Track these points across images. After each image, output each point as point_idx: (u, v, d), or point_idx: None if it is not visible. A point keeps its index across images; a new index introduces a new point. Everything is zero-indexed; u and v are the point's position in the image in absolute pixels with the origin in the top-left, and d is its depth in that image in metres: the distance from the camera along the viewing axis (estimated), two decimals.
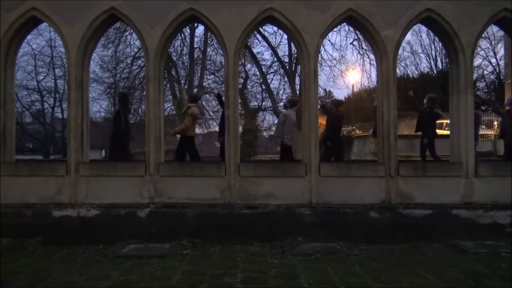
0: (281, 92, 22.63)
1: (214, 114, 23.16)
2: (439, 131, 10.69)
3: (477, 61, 28.71)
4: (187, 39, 20.38)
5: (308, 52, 6.99)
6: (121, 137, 8.33)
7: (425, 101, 8.82)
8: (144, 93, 11.14)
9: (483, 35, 23.37)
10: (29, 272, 4.99)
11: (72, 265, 5.32)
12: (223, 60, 11.56)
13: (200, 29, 21.02)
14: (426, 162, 7.71)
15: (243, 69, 21.30)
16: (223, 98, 7.57)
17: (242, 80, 21.93)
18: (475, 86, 23.30)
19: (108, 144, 9.46)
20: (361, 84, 23.04)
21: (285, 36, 19.02)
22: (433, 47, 31.74)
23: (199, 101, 11.73)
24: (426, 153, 8.42)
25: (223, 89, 8.38)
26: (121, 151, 8.29)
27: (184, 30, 18.16)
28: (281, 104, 23.11)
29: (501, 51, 27.75)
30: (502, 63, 27.31)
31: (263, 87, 22.72)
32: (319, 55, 9.74)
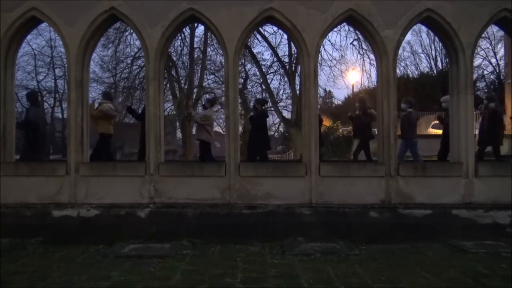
0: (281, 92, 22.65)
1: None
2: (439, 131, 10.72)
3: (477, 61, 28.73)
4: (187, 39, 20.37)
5: (308, 52, 6.99)
6: (30, 138, 8.04)
7: (356, 104, 9.02)
8: (144, 93, 11.13)
9: (483, 35, 23.37)
10: (29, 272, 4.99)
11: (72, 265, 5.32)
12: (223, 60, 11.57)
13: (200, 29, 21.05)
14: (426, 162, 7.71)
15: (243, 69, 21.29)
16: (134, 107, 7.64)
17: (242, 80, 21.92)
18: (475, 86, 23.27)
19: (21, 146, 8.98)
20: (361, 84, 23.04)
21: (285, 36, 19.03)
22: (433, 47, 31.75)
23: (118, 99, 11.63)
24: (360, 154, 8.61)
25: (223, 89, 8.38)
26: (32, 152, 8.01)
27: (184, 30, 18.15)
28: (281, 104, 23.13)
29: (501, 51, 27.77)
30: (502, 63, 27.31)
31: (263, 87, 22.71)
32: (319, 55, 9.74)
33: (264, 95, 23.61)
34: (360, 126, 8.82)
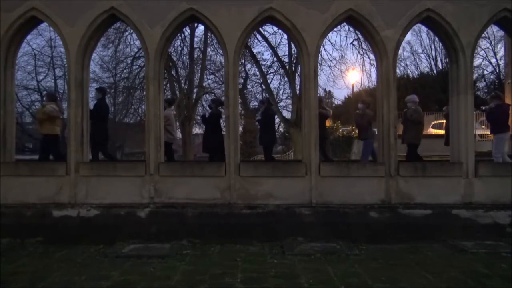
0: (281, 92, 22.66)
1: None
2: (439, 131, 10.69)
3: (477, 61, 28.74)
4: (187, 39, 20.37)
5: (308, 52, 6.99)
6: None
7: None
8: (144, 93, 11.14)
9: (483, 35, 23.38)
10: (29, 272, 4.99)
11: (72, 265, 5.32)
12: (223, 60, 11.57)
13: (200, 29, 21.03)
14: (426, 162, 7.71)
15: (243, 69, 21.29)
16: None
17: (242, 80, 21.92)
18: (475, 86, 23.28)
19: None
20: (361, 84, 23.03)
21: (285, 36, 19.01)
22: (433, 47, 31.75)
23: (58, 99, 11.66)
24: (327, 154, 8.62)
25: (223, 89, 8.37)
26: None
27: (184, 30, 18.15)
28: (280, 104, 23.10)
29: (501, 51, 27.76)
30: (502, 63, 27.32)
31: (263, 87, 22.71)
32: (319, 55, 9.75)
33: (264, 95, 23.63)
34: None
